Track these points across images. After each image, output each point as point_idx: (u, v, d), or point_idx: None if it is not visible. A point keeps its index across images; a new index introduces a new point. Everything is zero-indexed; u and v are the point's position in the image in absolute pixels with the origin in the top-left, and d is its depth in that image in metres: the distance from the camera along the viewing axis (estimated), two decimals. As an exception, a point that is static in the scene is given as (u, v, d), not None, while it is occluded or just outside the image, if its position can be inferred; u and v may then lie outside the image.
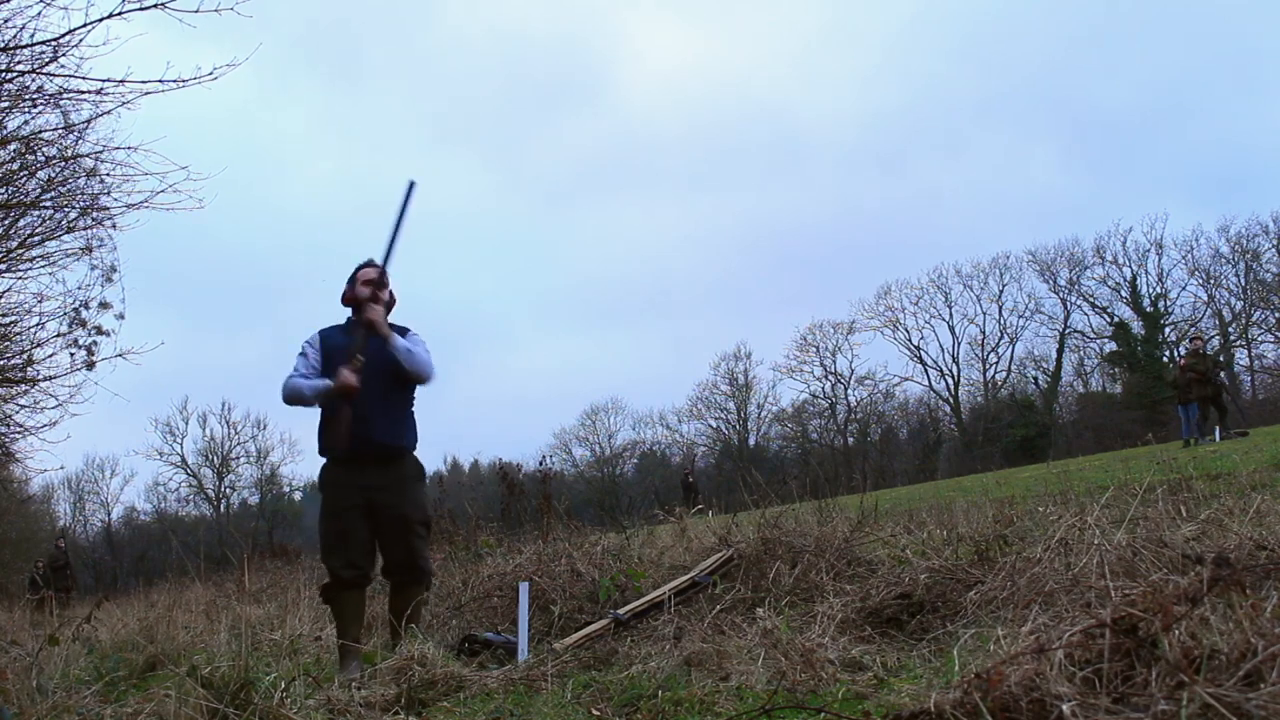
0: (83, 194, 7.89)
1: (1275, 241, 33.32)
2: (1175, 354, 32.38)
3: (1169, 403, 15.03)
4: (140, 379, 44.94)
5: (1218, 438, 13.52)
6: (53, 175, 7.64)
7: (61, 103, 6.38)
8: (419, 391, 4.27)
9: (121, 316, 9.43)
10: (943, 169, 52.61)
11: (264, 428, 41.98)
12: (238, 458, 41.87)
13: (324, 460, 4.19)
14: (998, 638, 2.72)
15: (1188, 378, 14.21)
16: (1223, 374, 16.00)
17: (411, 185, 4.05)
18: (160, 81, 5.80)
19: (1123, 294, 35.35)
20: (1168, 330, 34.37)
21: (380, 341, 4.04)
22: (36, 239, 8.61)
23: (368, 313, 4.05)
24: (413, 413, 4.29)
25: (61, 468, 44.50)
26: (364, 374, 3.98)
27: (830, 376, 39.90)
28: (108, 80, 5.81)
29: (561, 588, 5.12)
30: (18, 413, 10.94)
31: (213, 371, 54.73)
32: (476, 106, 58.02)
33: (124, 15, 5.35)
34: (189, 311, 52.67)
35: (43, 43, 5.67)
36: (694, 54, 57.00)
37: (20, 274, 9.12)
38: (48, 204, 7.90)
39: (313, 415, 4.18)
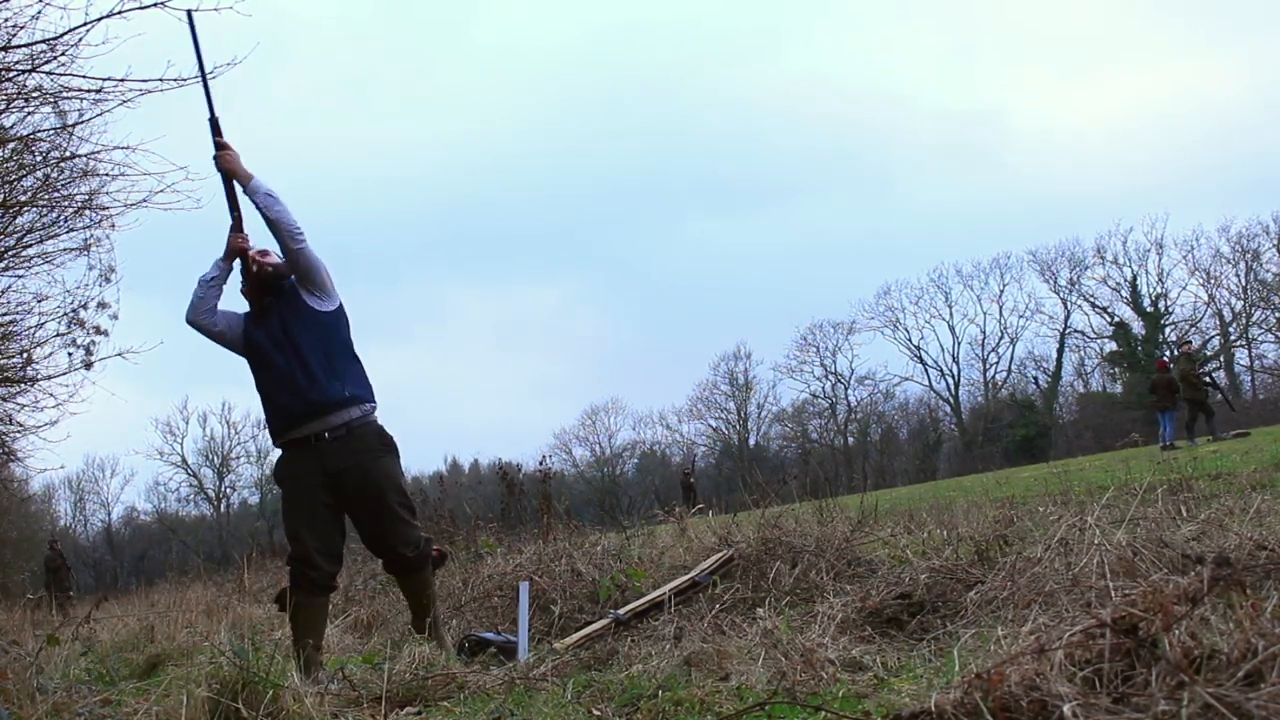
0: (80, 194, 7.90)
1: (1275, 241, 33.35)
2: (1175, 354, 32.42)
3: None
4: (141, 377, 44.96)
5: (1193, 441, 13.50)
6: (50, 174, 7.64)
7: (60, 101, 6.37)
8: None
9: (116, 317, 9.46)
10: (941, 170, 52.65)
11: (264, 427, 41.93)
12: (238, 457, 41.98)
13: (279, 451, 3.83)
14: (998, 638, 2.72)
15: (1166, 379, 14.33)
16: (1210, 375, 16.01)
17: (189, 14, 3.85)
18: (160, 80, 5.79)
19: (1123, 294, 35.42)
20: (1168, 330, 34.39)
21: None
22: (35, 237, 8.62)
23: (222, 161, 3.70)
24: (359, 364, 3.86)
25: (62, 467, 44.47)
26: (265, 352, 3.69)
27: (830, 376, 39.97)
28: (108, 79, 5.81)
29: (561, 588, 5.13)
30: (18, 412, 10.96)
31: (214, 369, 54.93)
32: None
33: (123, 14, 5.35)
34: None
35: (42, 41, 5.66)
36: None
37: (19, 273, 9.14)
38: (44, 202, 7.90)
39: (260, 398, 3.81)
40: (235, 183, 3.76)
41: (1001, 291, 37.88)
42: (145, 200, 7.16)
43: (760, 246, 54.20)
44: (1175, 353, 14.45)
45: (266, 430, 3.95)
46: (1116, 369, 35.99)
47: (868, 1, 55.64)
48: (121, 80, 5.80)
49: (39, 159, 7.44)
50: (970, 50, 53.63)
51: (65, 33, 5.57)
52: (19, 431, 11.46)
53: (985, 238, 55.80)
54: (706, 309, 55.36)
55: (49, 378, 9.97)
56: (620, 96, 56.23)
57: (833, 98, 53.56)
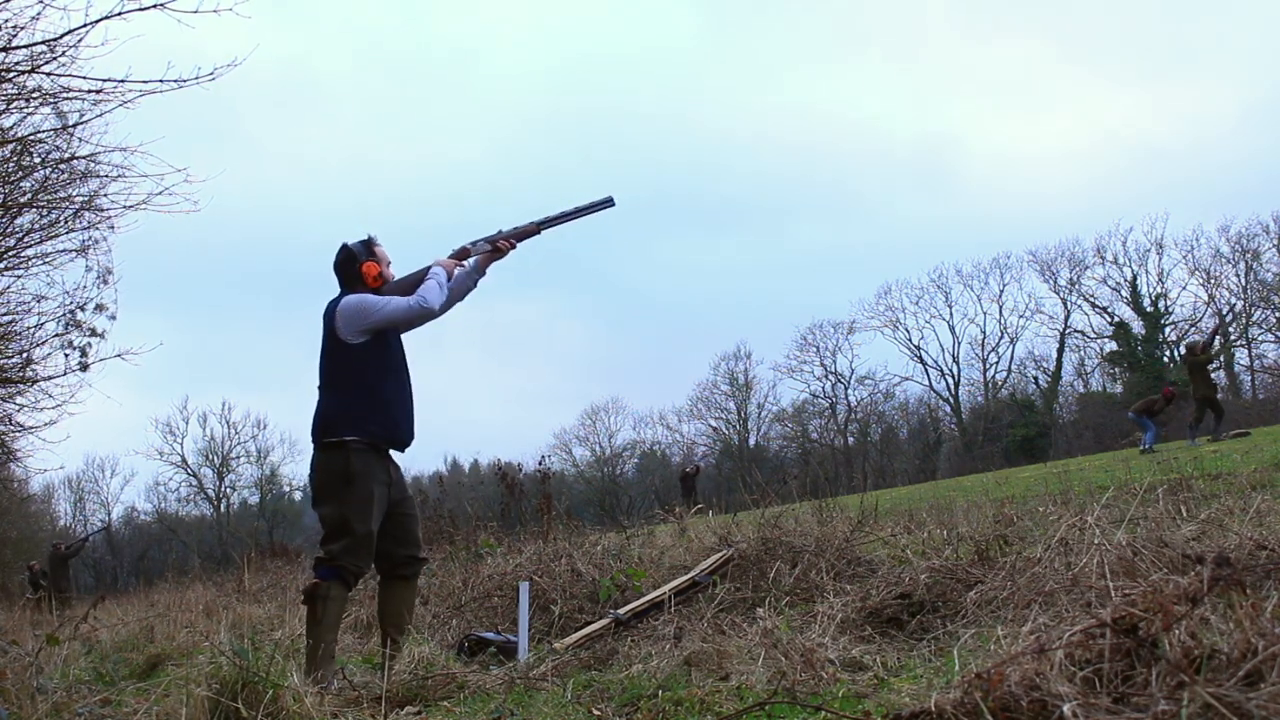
0: (79, 195, 7.90)
1: (1275, 241, 33.30)
2: (1175, 354, 32.39)
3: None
4: (140, 378, 44.91)
5: (1194, 441, 13.28)
6: (49, 175, 7.64)
7: (60, 103, 6.37)
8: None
9: (114, 317, 9.47)
10: (943, 172, 52.67)
11: (264, 427, 42.01)
12: (238, 457, 41.89)
13: (347, 443, 3.72)
14: (998, 638, 2.72)
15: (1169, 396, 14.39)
16: (1215, 356, 15.93)
17: (609, 201, 4.10)
18: (160, 81, 5.79)
19: (1123, 294, 35.34)
20: (1168, 330, 34.37)
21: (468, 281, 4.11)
22: (34, 238, 8.62)
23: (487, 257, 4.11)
24: None
25: (61, 467, 44.55)
26: (400, 366, 3.95)
27: (830, 376, 39.90)
28: (107, 80, 5.81)
29: (561, 588, 5.13)
30: (18, 412, 10.97)
31: (214, 370, 54.96)
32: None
33: (123, 15, 5.35)
34: (189, 309, 52.88)
35: (42, 42, 5.66)
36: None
37: (19, 274, 9.14)
38: (43, 204, 7.90)
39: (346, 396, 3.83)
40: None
41: (1001, 291, 37.83)
42: (144, 202, 7.15)
43: (755, 259, 54.20)
44: (1180, 356, 14.34)
45: (344, 423, 3.76)
46: (1116, 369, 35.93)
47: (834, 37, 55.54)
48: (121, 81, 5.80)
49: (39, 160, 7.44)
50: (951, 69, 53.44)
51: (65, 34, 5.58)
52: (18, 431, 11.47)
53: (985, 238, 55.69)
54: (706, 310, 55.38)
55: (48, 378, 9.99)
56: (601, 124, 56.29)
57: (810, 128, 53.55)
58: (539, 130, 56.62)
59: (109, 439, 65.04)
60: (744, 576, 4.78)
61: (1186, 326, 33.70)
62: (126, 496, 57.08)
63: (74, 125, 6.68)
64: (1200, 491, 5.41)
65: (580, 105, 56.21)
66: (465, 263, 4.11)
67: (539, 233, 4.14)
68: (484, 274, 4.15)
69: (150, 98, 5.94)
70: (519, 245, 4.14)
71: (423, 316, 3.84)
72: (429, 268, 3.97)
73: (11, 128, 6.89)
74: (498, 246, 4.10)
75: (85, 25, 5.46)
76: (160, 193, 6.90)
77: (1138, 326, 34.56)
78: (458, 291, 4.09)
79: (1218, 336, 22.09)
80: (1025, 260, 37.57)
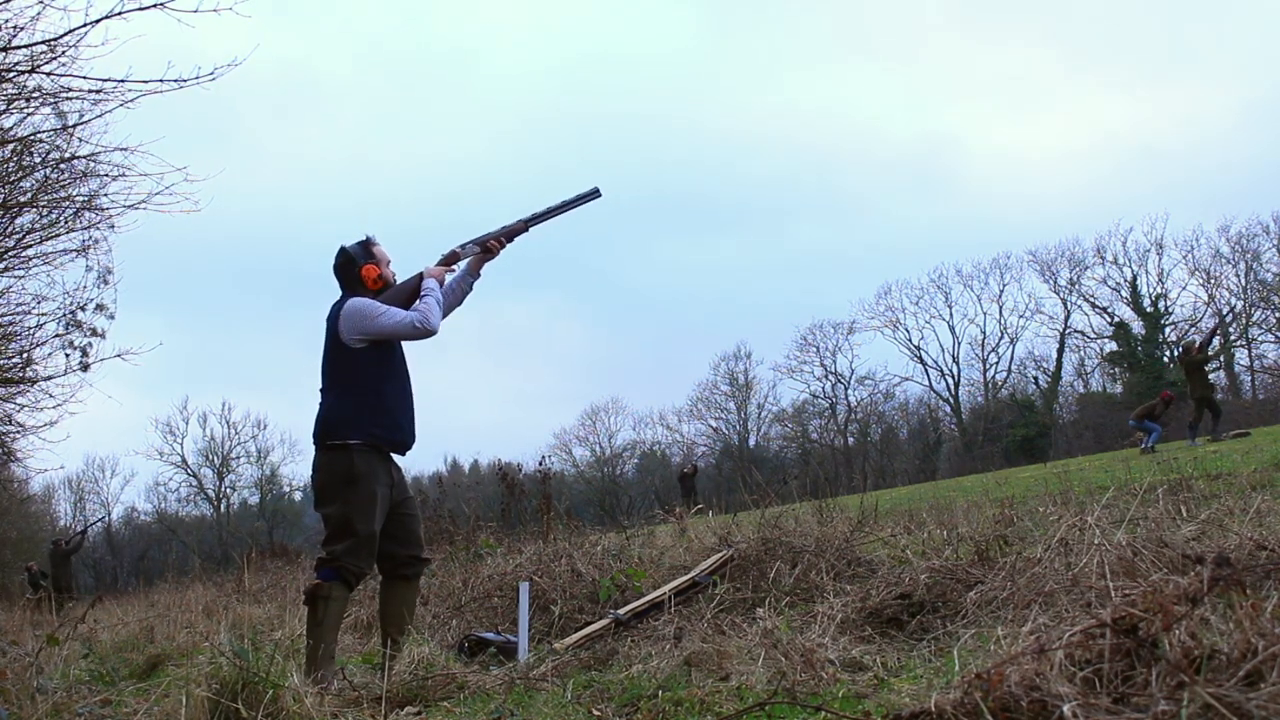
0: (79, 195, 7.90)
1: (1275, 241, 33.30)
2: (1175, 354, 32.38)
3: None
4: (140, 378, 44.85)
5: (1194, 441, 13.30)
6: (49, 175, 7.64)
7: (60, 103, 6.38)
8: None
9: (112, 317, 9.48)
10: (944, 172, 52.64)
11: (264, 428, 41.99)
12: (238, 458, 41.89)
13: (348, 445, 3.74)
14: (998, 638, 2.72)
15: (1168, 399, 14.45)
16: (1212, 353, 16.02)
17: (595, 192, 4.09)
18: (160, 81, 5.80)
19: (1123, 294, 35.35)
20: (1168, 330, 34.36)
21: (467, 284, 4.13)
22: (35, 238, 8.62)
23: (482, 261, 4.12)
24: None
25: (61, 467, 44.58)
26: (401, 370, 3.95)
27: (830, 376, 39.90)
28: (107, 80, 5.81)
29: (561, 588, 5.13)
30: (18, 412, 10.97)
31: (214, 370, 54.94)
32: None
33: (123, 15, 5.35)
34: (189, 309, 52.87)
35: (42, 42, 5.67)
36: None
37: (19, 274, 9.14)
38: (43, 204, 7.90)
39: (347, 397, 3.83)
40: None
41: (1001, 291, 37.83)
42: (144, 202, 7.16)
43: (755, 259, 54.13)
44: (1177, 353, 14.39)
45: (346, 426, 3.77)
46: (1116, 369, 35.93)
47: (834, 38, 55.49)
48: (121, 81, 5.81)
49: (39, 160, 7.44)
50: (947, 68, 53.35)
51: (65, 33, 5.58)
52: (18, 432, 11.48)
53: (985, 238, 55.70)
54: (706, 310, 55.39)
55: (48, 378, 9.99)
56: (601, 124, 56.15)
57: (810, 128, 53.41)
58: (539, 130, 56.58)
59: (109, 439, 65.12)
60: (744, 576, 4.77)
61: (1186, 327, 33.71)
62: (126, 496, 57.15)
63: (74, 125, 6.69)
64: (1200, 491, 5.41)
65: (580, 105, 56.18)
66: (455, 267, 4.09)
67: (527, 230, 4.13)
68: (479, 276, 4.15)
69: (150, 98, 5.96)
70: (508, 244, 4.14)
71: (424, 336, 3.82)
72: (421, 279, 3.95)
73: (11, 128, 6.90)
74: (488, 247, 4.09)
75: (85, 25, 5.46)
76: (160, 192, 6.93)
77: (1138, 327, 34.56)
78: (455, 298, 4.09)
79: (1216, 336, 22.09)
80: (1025, 260, 37.61)
